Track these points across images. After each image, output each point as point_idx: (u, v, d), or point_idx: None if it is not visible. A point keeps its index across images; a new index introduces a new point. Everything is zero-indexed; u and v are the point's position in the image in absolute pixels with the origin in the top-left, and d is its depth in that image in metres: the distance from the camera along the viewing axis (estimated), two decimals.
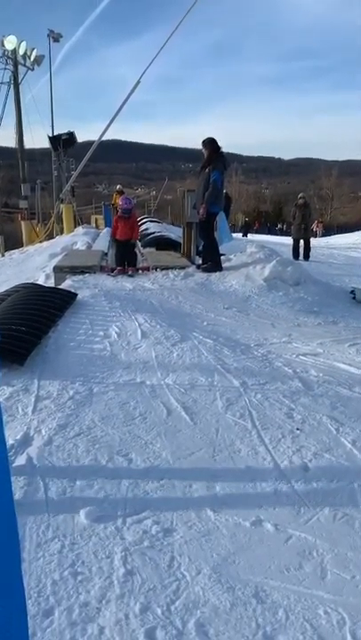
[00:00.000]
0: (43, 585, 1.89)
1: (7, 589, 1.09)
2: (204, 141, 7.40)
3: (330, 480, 2.61)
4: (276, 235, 33.62)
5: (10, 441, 2.81)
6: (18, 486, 2.44)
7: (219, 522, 2.28)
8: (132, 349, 4.34)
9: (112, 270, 7.55)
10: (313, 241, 13.63)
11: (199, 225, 7.63)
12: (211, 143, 7.35)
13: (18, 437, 2.92)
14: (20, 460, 2.70)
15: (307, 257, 12.41)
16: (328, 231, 35.33)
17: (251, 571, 1.99)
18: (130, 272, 7.46)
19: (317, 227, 36.79)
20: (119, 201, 8.37)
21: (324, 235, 31.57)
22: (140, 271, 7.57)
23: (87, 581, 1.92)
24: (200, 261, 7.76)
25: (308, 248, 12.67)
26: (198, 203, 7.39)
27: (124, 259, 7.63)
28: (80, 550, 2.08)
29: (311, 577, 1.97)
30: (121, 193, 19.07)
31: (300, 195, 13.96)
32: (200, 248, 8.30)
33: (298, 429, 3.11)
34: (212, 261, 7.38)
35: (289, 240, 13.68)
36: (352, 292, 7.17)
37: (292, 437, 3.01)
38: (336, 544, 2.15)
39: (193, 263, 8.13)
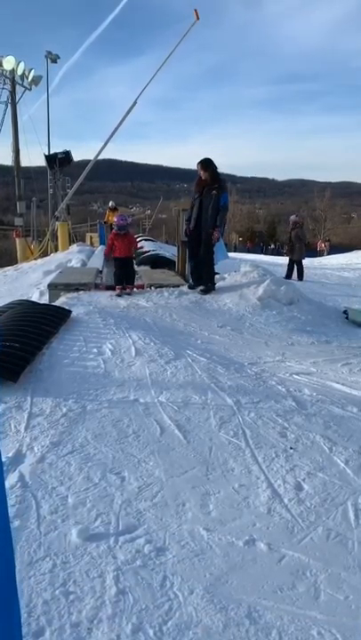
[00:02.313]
0: (34, 604, 1.87)
1: (3, 610, 1.08)
2: (204, 162, 7.20)
3: (323, 499, 2.60)
4: (269, 254, 33.89)
5: (2, 458, 2.79)
6: (9, 504, 2.42)
7: (212, 541, 2.26)
8: (126, 367, 4.33)
9: (112, 288, 7.43)
10: (306, 261, 13.65)
11: (206, 248, 7.31)
12: (212, 164, 7.23)
13: (10, 455, 2.90)
14: (12, 478, 2.68)
15: (298, 277, 12.34)
16: (321, 252, 35.59)
17: (244, 591, 1.97)
18: (128, 291, 7.33)
19: (324, 245, 37.23)
20: (114, 218, 8.16)
21: (330, 252, 31.69)
22: (136, 289, 7.56)
23: (79, 601, 1.90)
24: (192, 281, 7.62)
25: (297, 269, 12.64)
26: (206, 225, 7.15)
27: (123, 277, 7.47)
28: (72, 569, 2.06)
29: (305, 597, 1.95)
30: (114, 210, 18.88)
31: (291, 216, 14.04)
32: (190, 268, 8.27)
33: (291, 448, 3.10)
34: (212, 283, 7.34)
35: (282, 260, 13.78)
36: (345, 311, 7.23)
37: (286, 456, 3.01)
38: (330, 564, 2.14)
39: (187, 281, 8.16)
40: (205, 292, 7.17)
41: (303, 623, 1.83)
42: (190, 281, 7.67)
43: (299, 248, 12.92)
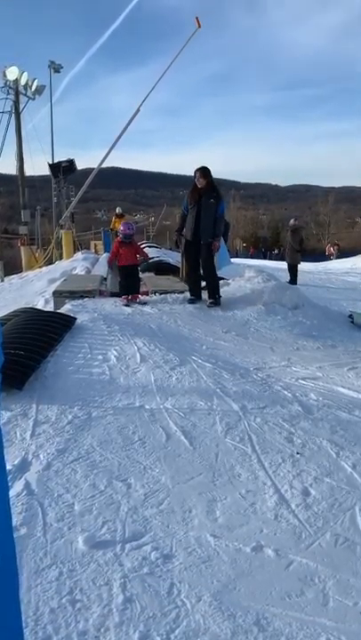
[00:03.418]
0: (40, 613, 1.86)
1: (3, 619, 1.07)
2: (203, 170, 7.00)
3: (331, 504, 2.59)
4: (273, 259, 33.91)
5: (8, 466, 2.78)
6: (16, 512, 2.42)
7: (219, 547, 2.25)
8: (131, 373, 4.33)
9: (117, 295, 7.31)
10: (310, 266, 13.65)
11: (208, 259, 7.08)
12: (210, 172, 7.05)
13: (16, 462, 2.90)
14: (18, 486, 2.68)
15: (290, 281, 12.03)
16: (329, 256, 35.56)
17: (252, 597, 1.96)
18: (139, 300, 7.12)
19: (333, 249, 37.22)
20: (120, 226, 7.91)
21: (339, 257, 31.58)
22: (141, 296, 7.44)
23: (85, 609, 1.88)
24: (191, 295, 7.23)
25: (290, 273, 12.58)
26: (206, 235, 6.94)
27: (129, 285, 7.23)
28: (78, 577, 2.05)
29: (313, 604, 1.94)
30: (121, 216, 18.58)
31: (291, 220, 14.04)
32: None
33: (298, 453, 3.09)
34: (218, 295, 7.07)
35: (285, 265, 13.79)
36: (350, 315, 7.21)
37: (293, 462, 2.99)
38: (338, 570, 2.12)
39: None
40: (213, 305, 6.89)
41: (312, 630, 1.81)
42: (189, 295, 7.22)
43: (290, 252, 12.92)
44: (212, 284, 7.11)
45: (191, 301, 7.06)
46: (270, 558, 2.19)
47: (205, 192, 6.96)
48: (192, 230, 7.04)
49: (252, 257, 37.75)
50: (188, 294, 7.32)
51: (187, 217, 7.18)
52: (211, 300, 6.97)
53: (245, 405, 3.75)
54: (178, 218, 8.47)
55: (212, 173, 7.15)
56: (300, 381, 4.36)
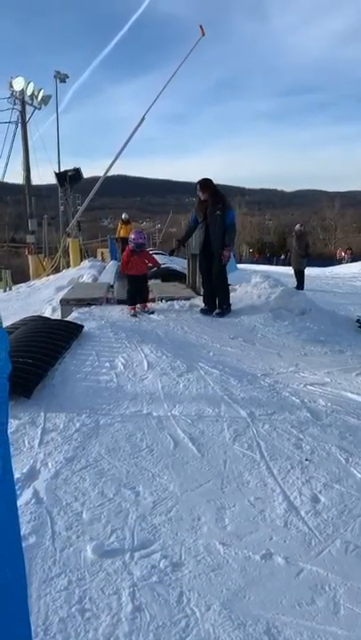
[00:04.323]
0: (50, 622, 1.85)
1: (13, 628, 1.07)
2: (202, 183, 6.93)
3: (341, 511, 2.57)
4: (280, 265, 33.90)
5: (16, 474, 2.79)
6: (24, 520, 2.42)
7: (228, 555, 2.23)
8: (139, 380, 4.33)
9: (124, 303, 7.25)
10: (317, 270, 13.65)
11: (218, 270, 6.99)
12: (211, 183, 6.95)
13: (24, 471, 2.90)
14: (27, 494, 2.68)
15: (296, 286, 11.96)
16: (332, 262, 35.50)
17: (262, 606, 1.94)
18: (148, 309, 7.03)
19: (345, 253, 37.19)
20: (131, 234, 7.56)
21: (353, 260, 31.48)
22: (149, 305, 7.34)
23: (95, 618, 1.88)
24: (205, 306, 7.14)
25: (296, 278, 12.60)
26: (216, 246, 6.88)
27: (137, 294, 7.10)
28: (87, 586, 2.04)
29: (324, 612, 1.92)
30: (127, 223, 18.34)
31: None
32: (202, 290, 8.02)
33: (307, 460, 3.07)
34: (228, 305, 7.00)
35: (291, 270, 13.78)
36: (358, 320, 7.16)
37: (302, 468, 2.98)
38: (349, 577, 2.10)
39: (198, 294, 8.15)
40: (221, 315, 6.83)
41: (323, 639, 1.79)
42: (204, 305, 7.13)
43: (296, 257, 12.97)
44: (222, 294, 7.04)
45: (204, 312, 6.99)
46: (280, 566, 2.17)
47: (211, 204, 6.89)
48: (201, 244, 7.05)
49: (257, 262, 37.75)
50: (194, 301, 7.33)
51: (193, 229, 7.19)
52: (218, 310, 6.92)
53: (253, 412, 3.73)
54: (184, 225, 8.40)
55: (217, 180, 7.08)
56: (309, 387, 4.34)
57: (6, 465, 1.09)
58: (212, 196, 6.90)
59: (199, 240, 7.11)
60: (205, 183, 6.95)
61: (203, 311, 7.02)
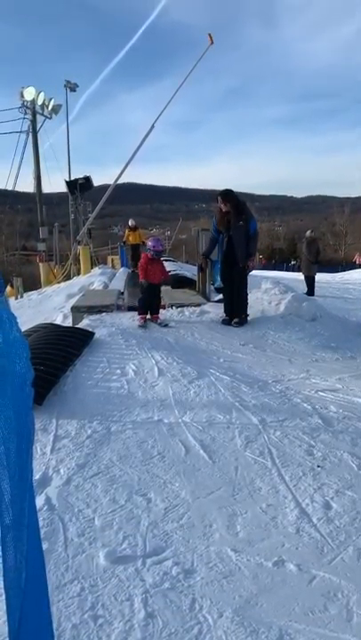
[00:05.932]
0: (63, 629, 1.86)
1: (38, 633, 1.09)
2: (224, 194, 6.87)
3: (353, 518, 2.55)
4: (289, 271, 33.89)
5: None
6: None
7: (240, 562, 2.23)
8: (150, 387, 4.34)
9: (134, 309, 7.09)
10: (328, 276, 13.61)
11: (240, 280, 6.94)
12: (232, 194, 6.89)
13: (37, 477, 2.92)
14: (39, 501, 2.69)
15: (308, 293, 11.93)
16: (344, 267, 35.42)
17: (274, 613, 1.94)
18: (159, 321, 6.77)
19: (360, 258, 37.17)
20: (149, 242, 7.28)
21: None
22: (161, 315, 7.20)
23: (107, 625, 1.88)
24: (226, 316, 7.01)
25: (306, 284, 12.62)
26: (242, 257, 6.80)
27: (151, 303, 6.87)
28: (100, 592, 2.05)
29: (337, 619, 1.91)
30: (134, 229, 18.31)
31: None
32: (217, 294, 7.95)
33: (319, 467, 3.06)
34: (245, 314, 6.93)
35: (302, 276, 13.76)
36: None
37: (313, 475, 2.97)
38: None
39: (208, 300, 8.15)
40: (239, 324, 6.75)
41: None
42: (225, 315, 7.00)
43: (306, 263, 13.00)
44: (241, 303, 6.97)
45: (225, 322, 6.86)
46: (292, 573, 2.17)
47: (234, 215, 6.81)
48: (224, 254, 6.97)
49: (263, 268, 37.78)
50: (204, 307, 7.34)
51: (215, 240, 7.14)
52: (236, 320, 6.82)
53: (265, 418, 3.73)
54: (193, 232, 8.33)
55: (226, 186, 7.05)
56: (320, 393, 4.33)
57: (26, 474, 1.10)
58: (235, 207, 6.83)
59: (222, 249, 7.01)
60: (227, 195, 6.89)
61: (224, 321, 6.87)
